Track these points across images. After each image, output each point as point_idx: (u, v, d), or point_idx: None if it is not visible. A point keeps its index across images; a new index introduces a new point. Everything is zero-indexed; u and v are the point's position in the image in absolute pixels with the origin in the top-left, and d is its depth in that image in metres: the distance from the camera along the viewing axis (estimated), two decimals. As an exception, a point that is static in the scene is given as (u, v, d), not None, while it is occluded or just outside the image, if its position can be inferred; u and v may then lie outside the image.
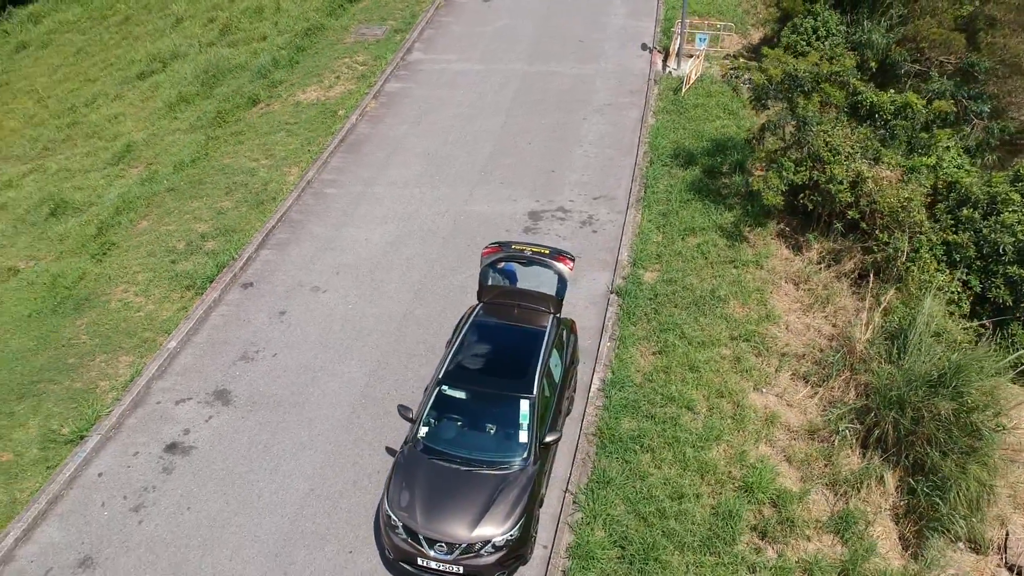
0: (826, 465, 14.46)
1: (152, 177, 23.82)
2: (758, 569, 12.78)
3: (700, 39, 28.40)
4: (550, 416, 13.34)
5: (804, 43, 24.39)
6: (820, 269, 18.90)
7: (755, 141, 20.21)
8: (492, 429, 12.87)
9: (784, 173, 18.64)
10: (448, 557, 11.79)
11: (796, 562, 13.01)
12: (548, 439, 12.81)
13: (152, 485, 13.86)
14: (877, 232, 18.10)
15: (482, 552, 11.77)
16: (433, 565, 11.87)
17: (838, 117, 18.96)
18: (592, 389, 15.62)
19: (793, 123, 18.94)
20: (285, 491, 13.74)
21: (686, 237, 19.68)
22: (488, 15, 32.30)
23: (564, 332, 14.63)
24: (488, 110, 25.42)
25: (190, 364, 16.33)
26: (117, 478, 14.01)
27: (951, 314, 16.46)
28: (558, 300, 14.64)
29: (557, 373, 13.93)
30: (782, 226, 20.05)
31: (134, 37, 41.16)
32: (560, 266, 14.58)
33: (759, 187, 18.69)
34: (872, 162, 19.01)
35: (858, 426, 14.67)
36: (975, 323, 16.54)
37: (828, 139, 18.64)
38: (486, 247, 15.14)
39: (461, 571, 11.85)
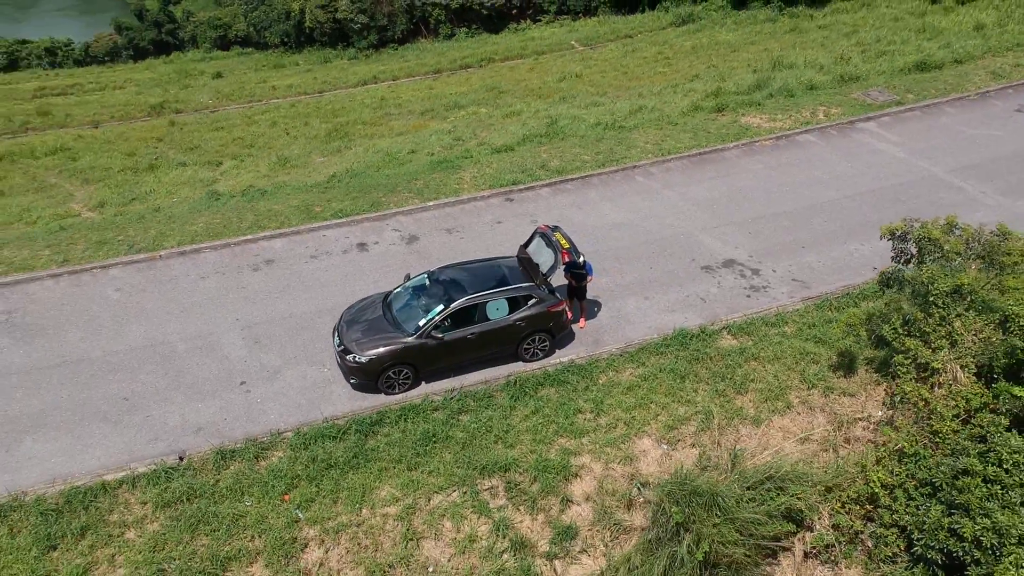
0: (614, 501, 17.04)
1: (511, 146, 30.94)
2: (472, 497, 16.87)
3: None
4: (468, 329, 18.82)
5: None
6: (868, 424, 18.68)
7: (881, 287, 19.57)
8: (416, 309, 19.16)
9: (885, 326, 18.55)
10: (339, 348, 19.00)
11: (509, 521, 16.62)
12: (435, 333, 18.59)
13: (243, 269, 23.45)
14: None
15: (347, 358, 18.64)
16: (336, 348, 19.22)
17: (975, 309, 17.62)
18: (565, 359, 20.08)
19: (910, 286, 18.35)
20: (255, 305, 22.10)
21: (806, 341, 20.72)
22: (990, 126, 31.15)
23: (532, 299, 19.35)
24: (824, 187, 27.00)
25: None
26: (228, 260, 23.96)
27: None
28: (543, 275, 19.49)
29: (495, 314, 19.02)
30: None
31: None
32: (560, 257, 19.30)
33: (846, 318, 19.00)
34: (979, 364, 17.62)
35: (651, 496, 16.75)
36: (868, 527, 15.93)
37: (953, 319, 17.76)
38: (543, 224, 20.52)
39: (339, 361, 19.02)
